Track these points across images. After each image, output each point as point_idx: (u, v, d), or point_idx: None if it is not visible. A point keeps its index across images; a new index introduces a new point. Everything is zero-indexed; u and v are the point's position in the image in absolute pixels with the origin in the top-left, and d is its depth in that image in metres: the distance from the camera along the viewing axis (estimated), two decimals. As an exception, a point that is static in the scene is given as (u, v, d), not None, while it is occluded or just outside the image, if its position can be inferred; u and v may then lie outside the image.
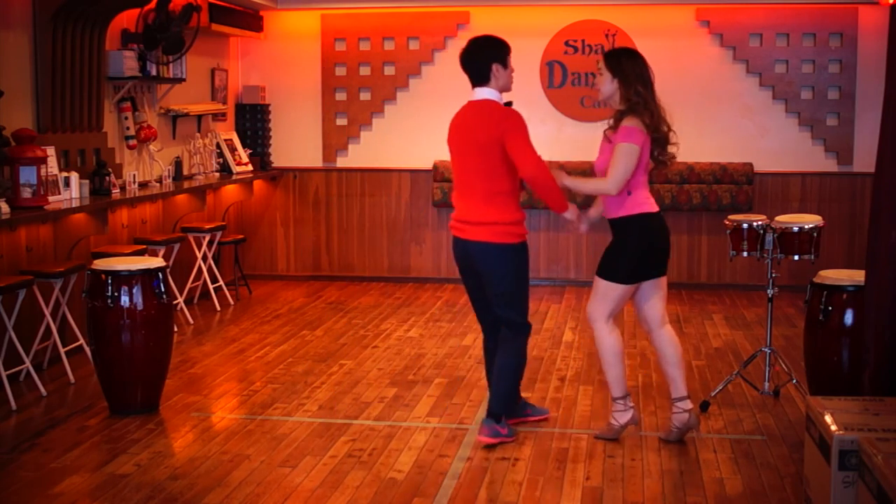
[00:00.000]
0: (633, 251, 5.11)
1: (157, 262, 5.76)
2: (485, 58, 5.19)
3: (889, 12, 4.56)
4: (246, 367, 6.71)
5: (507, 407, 5.22)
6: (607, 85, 5.20)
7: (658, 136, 5.09)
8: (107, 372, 5.62)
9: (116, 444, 5.15)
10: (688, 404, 5.17)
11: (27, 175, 6.29)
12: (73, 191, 6.85)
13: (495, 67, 5.21)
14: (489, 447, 5.07)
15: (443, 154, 9.79)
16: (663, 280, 5.19)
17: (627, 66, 5.17)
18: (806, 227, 5.68)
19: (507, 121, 5.10)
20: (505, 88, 5.31)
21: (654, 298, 5.16)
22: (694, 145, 9.55)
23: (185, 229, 8.38)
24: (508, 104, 5.24)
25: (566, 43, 9.61)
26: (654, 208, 5.13)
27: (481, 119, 5.12)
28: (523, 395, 6.06)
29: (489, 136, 5.05)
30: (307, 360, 6.85)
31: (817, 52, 9.35)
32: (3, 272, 6.10)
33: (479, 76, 5.20)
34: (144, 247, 7.19)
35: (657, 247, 5.12)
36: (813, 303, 5.48)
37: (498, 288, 5.11)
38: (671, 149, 5.15)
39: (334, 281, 9.91)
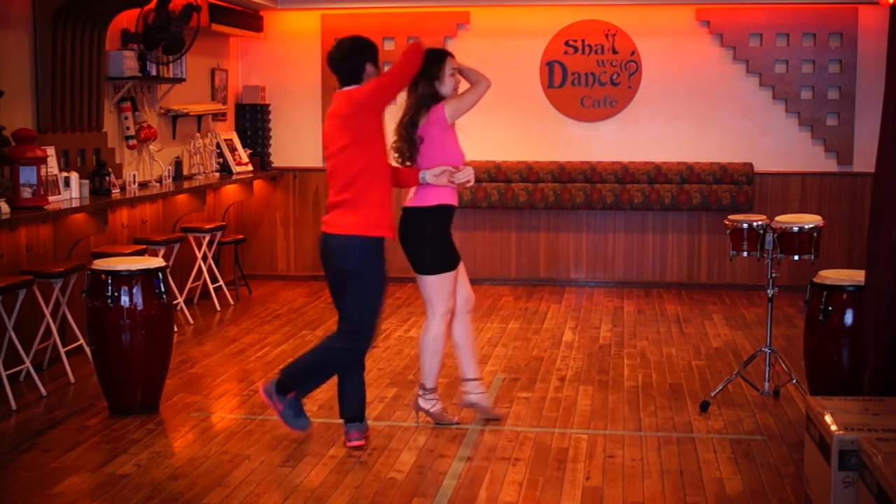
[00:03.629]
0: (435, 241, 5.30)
1: (157, 262, 5.76)
2: (360, 58, 5.09)
3: (889, 12, 4.56)
4: (246, 367, 6.71)
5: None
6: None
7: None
8: (107, 372, 5.62)
9: (116, 444, 5.15)
10: (479, 387, 5.42)
11: (27, 175, 6.29)
12: (73, 191, 6.85)
13: (369, 67, 5.13)
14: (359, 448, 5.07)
15: (443, 154, 9.83)
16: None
17: None
18: (806, 227, 5.68)
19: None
20: None
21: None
22: (694, 145, 9.57)
23: (185, 229, 8.38)
24: None
25: (566, 43, 9.61)
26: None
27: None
28: (523, 394, 6.08)
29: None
30: (307, 360, 6.84)
31: (817, 52, 9.35)
32: (3, 272, 6.10)
33: (351, 77, 5.07)
34: (144, 247, 7.19)
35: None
36: (813, 303, 5.48)
37: None
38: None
39: (334, 281, 9.89)
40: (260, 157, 9.83)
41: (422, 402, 5.42)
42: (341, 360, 5.11)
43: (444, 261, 5.28)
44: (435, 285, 5.27)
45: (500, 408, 5.75)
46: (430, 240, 5.26)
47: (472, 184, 5.36)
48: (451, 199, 5.30)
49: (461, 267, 5.43)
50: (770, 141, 9.49)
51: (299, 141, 10.04)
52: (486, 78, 5.39)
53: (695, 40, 9.49)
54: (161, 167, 8.32)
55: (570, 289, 9.55)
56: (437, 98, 5.26)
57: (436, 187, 5.21)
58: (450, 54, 5.38)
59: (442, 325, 5.31)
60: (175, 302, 7.55)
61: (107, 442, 5.18)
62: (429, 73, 5.23)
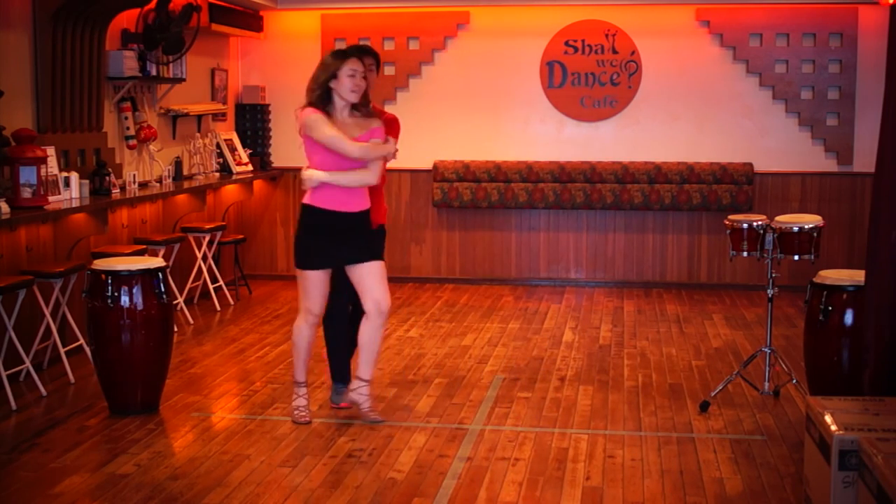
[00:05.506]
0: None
1: (157, 262, 5.76)
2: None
3: (889, 12, 4.56)
4: (246, 367, 6.71)
5: None
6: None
7: None
8: (107, 372, 5.62)
9: (116, 444, 5.15)
10: (365, 388, 5.48)
11: (27, 175, 6.29)
12: (73, 191, 6.85)
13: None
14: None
15: (443, 154, 9.84)
16: None
17: None
18: (806, 227, 5.68)
19: None
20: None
21: None
22: (694, 145, 9.57)
23: (185, 229, 8.38)
24: None
25: (566, 43, 9.61)
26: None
27: None
28: (523, 394, 6.08)
29: None
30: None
31: (817, 52, 9.35)
32: (3, 272, 6.10)
33: None
34: (144, 247, 7.19)
35: None
36: (813, 303, 5.48)
37: None
38: None
39: (334, 281, 9.90)
40: (260, 157, 9.83)
41: (294, 395, 5.60)
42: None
43: (298, 257, 5.38)
44: (298, 278, 5.41)
45: (500, 408, 5.75)
46: (295, 235, 5.42)
47: (309, 186, 5.31)
48: (315, 201, 5.29)
49: (373, 270, 5.35)
50: (770, 141, 9.49)
51: (299, 141, 9.97)
52: (373, 176, 5.29)
53: (695, 40, 9.49)
54: (161, 167, 8.32)
55: (570, 289, 9.55)
56: (328, 95, 5.24)
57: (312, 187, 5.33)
58: (355, 55, 5.30)
59: (300, 321, 5.44)
60: (175, 302, 7.55)
61: (107, 442, 5.18)
62: (329, 67, 5.24)
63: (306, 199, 5.33)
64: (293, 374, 5.62)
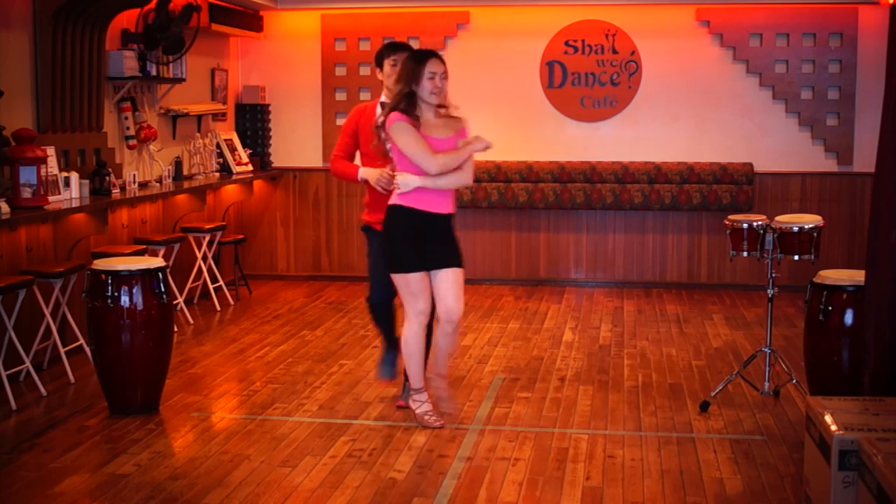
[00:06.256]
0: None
1: (157, 262, 5.76)
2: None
3: (889, 12, 4.56)
4: (246, 367, 6.71)
5: None
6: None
7: None
8: (107, 372, 5.62)
9: (116, 444, 5.15)
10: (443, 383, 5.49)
11: (27, 175, 6.29)
12: (73, 191, 6.85)
13: (377, 71, 5.65)
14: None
15: (443, 154, 9.82)
16: None
17: None
18: (806, 227, 5.68)
19: None
20: (388, 87, 5.56)
21: None
22: (694, 145, 9.57)
23: (185, 229, 8.38)
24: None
25: (566, 43, 9.61)
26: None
27: None
28: (523, 394, 6.07)
29: None
30: (307, 360, 6.85)
31: (817, 52, 9.35)
32: (3, 272, 6.10)
33: None
34: (144, 247, 7.19)
35: None
36: (813, 303, 5.48)
37: None
38: None
39: (334, 281, 9.91)
40: (260, 157, 9.83)
41: (410, 401, 5.51)
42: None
43: (395, 261, 5.31)
44: (398, 284, 5.34)
45: (500, 408, 5.76)
46: (386, 240, 5.34)
47: (404, 190, 5.25)
48: (406, 201, 5.24)
49: (451, 277, 5.30)
50: (770, 141, 9.49)
51: (299, 141, 10.05)
52: (467, 176, 5.27)
53: (695, 40, 9.49)
54: (161, 167, 8.32)
55: (570, 289, 9.54)
56: (413, 101, 5.20)
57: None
58: (433, 57, 5.25)
59: (413, 325, 5.35)
60: (175, 302, 7.56)
61: (107, 442, 5.18)
62: (409, 73, 5.21)
63: (395, 201, 5.26)
64: (410, 383, 5.49)
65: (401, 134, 5.15)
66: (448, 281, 5.29)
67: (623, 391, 6.12)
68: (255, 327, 7.90)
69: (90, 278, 5.63)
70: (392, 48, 5.60)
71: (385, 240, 5.33)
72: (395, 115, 5.17)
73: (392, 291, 5.60)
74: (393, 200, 5.29)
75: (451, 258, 5.33)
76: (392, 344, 5.83)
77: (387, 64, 5.56)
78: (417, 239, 5.25)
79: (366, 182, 5.56)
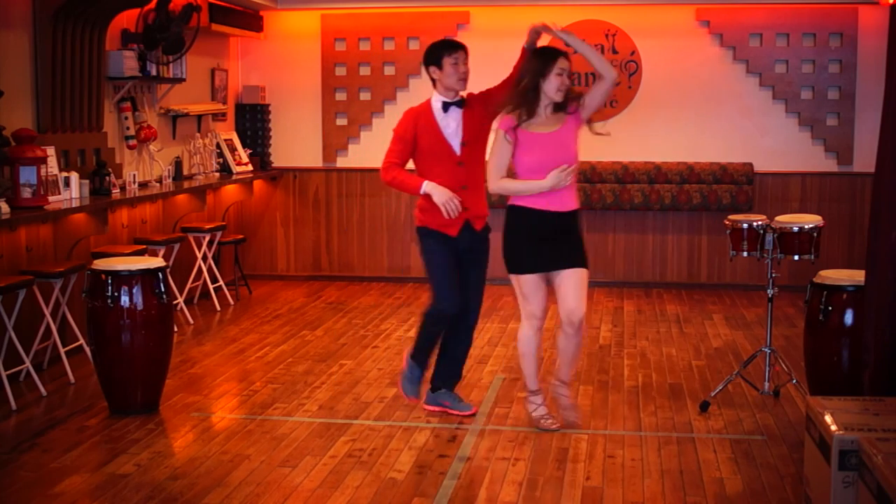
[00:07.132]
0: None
1: (157, 262, 5.76)
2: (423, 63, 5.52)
3: (889, 12, 4.56)
4: (246, 367, 6.71)
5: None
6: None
7: None
8: (107, 372, 5.62)
9: (116, 444, 5.15)
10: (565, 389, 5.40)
11: (27, 175, 6.29)
12: (73, 191, 6.85)
13: (431, 70, 5.50)
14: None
15: (443, 154, 9.82)
16: None
17: None
18: (806, 227, 5.68)
19: None
20: (448, 87, 5.48)
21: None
22: (694, 145, 9.57)
23: (185, 229, 8.38)
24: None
25: (566, 43, 9.58)
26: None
27: None
28: (523, 394, 6.06)
29: None
30: (307, 360, 6.85)
31: (817, 52, 9.35)
32: (3, 272, 6.10)
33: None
34: (144, 247, 7.19)
35: None
36: (813, 303, 5.48)
37: None
38: None
39: (334, 281, 9.91)
40: (260, 157, 9.83)
41: (526, 403, 5.49)
42: (423, 320, 5.54)
43: (509, 261, 5.24)
44: (513, 282, 5.29)
45: (500, 408, 5.76)
46: (504, 238, 5.27)
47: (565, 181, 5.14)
48: (525, 201, 5.18)
49: (572, 277, 5.16)
50: (770, 141, 9.49)
51: (299, 141, 10.04)
52: (613, 71, 5.27)
53: (695, 40, 9.49)
54: (161, 167, 8.32)
55: (570, 289, 9.53)
56: (537, 95, 5.17)
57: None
58: (562, 55, 5.26)
59: (524, 327, 5.29)
60: (175, 302, 7.56)
61: (107, 442, 5.18)
62: (537, 68, 5.19)
63: (513, 201, 5.21)
64: (525, 385, 5.46)
65: (495, 143, 5.23)
66: (569, 281, 5.15)
67: (623, 391, 6.12)
68: (255, 327, 7.90)
69: (90, 278, 5.63)
70: (450, 47, 5.47)
71: (503, 239, 5.24)
72: (504, 120, 5.19)
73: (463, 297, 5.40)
74: (511, 200, 5.24)
75: (573, 258, 5.18)
76: (423, 366, 5.59)
77: (447, 62, 5.40)
78: (534, 239, 5.16)
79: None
